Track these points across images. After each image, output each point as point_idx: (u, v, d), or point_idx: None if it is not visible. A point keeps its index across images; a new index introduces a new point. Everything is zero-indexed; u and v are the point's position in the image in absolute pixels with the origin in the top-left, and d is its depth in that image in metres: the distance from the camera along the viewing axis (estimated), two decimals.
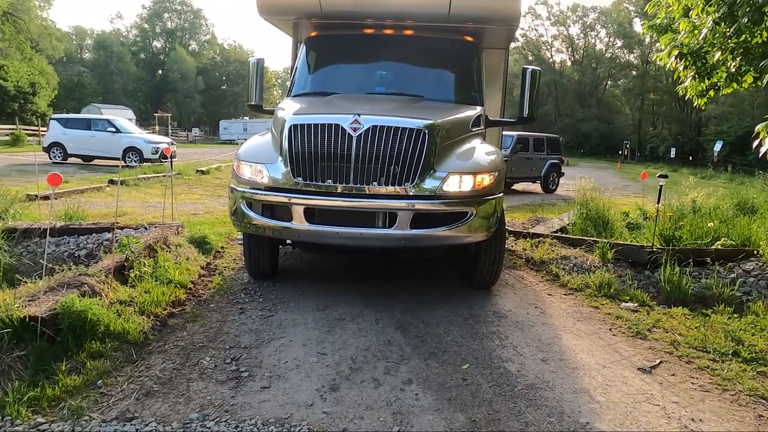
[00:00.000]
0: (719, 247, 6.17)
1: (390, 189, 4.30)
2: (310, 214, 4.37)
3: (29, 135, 29.98)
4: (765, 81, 5.55)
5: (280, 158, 4.48)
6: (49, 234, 4.68)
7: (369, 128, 4.24)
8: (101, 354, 3.44)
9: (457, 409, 3.06)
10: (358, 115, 4.29)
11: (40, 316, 3.31)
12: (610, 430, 2.90)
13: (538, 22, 79.88)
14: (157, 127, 46.28)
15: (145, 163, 17.57)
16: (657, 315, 4.76)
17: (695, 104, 7.85)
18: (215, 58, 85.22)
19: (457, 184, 4.37)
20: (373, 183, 4.28)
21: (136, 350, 3.62)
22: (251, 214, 4.54)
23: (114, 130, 19.26)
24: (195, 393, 3.14)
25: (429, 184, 4.32)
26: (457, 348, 3.93)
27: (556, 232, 7.62)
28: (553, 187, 18.09)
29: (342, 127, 4.26)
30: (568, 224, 8.16)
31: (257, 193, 4.53)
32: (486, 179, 4.50)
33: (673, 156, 45.60)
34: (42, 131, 26.95)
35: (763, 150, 4.81)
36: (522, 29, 66.97)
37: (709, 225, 6.77)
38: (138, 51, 77.53)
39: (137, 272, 4.65)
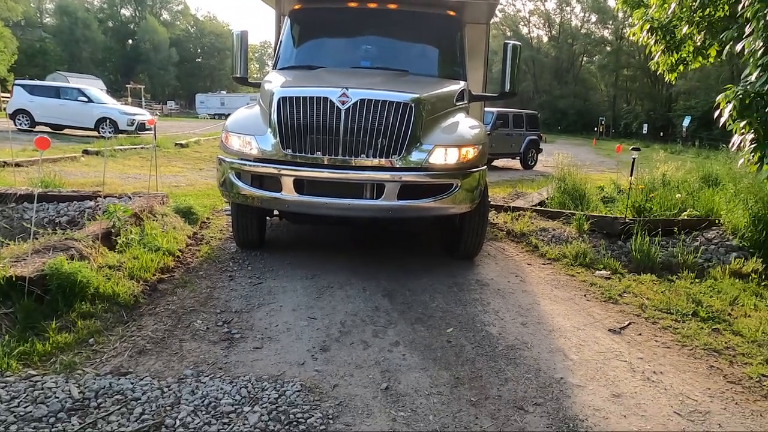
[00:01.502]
0: (685, 217, 6.51)
1: (377, 161, 4.39)
2: (300, 185, 4.44)
3: None
4: (725, 53, 5.76)
5: (269, 130, 4.52)
6: (33, 199, 4.66)
7: (357, 101, 4.31)
8: (91, 314, 3.49)
9: (441, 368, 3.24)
10: (347, 88, 4.34)
11: (28, 276, 3.34)
12: (581, 384, 3.14)
13: None
14: (129, 99, 44.95)
15: (120, 135, 17.21)
16: (628, 281, 5.04)
17: (666, 79, 8.08)
18: (189, 30, 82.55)
19: (443, 156, 4.49)
20: (361, 155, 4.37)
21: (126, 312, 3.69)
22: (240, 184, 4.60)
23: (86, 99, 18.71)
24: (188, 352, 3.24)
25: (415, 156, 4.43)
26: (441, 313, 4.10)
27: (535, 205, 7.88)
28: (532, 164, 18.33)
29: (330, 100, 4.32)
30: (546, 198, 8.41)
31: (246, 164, 4.58)
32: (470, 152, 4.63)
33: (645, 132, 46.55)
34: (4, 97, 25.98)
35: (723, 120, 4.97)
36: (500, 4, 66.40)
37: (677, 196, 7.09)
38: (105, 18, 74.41)
39: (125, 239, 4.68)
